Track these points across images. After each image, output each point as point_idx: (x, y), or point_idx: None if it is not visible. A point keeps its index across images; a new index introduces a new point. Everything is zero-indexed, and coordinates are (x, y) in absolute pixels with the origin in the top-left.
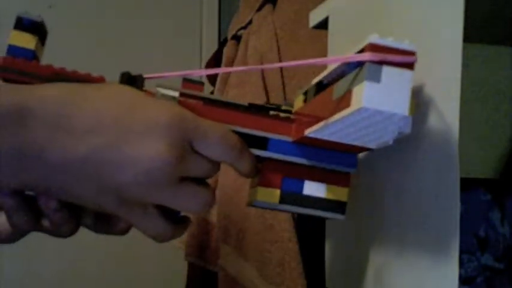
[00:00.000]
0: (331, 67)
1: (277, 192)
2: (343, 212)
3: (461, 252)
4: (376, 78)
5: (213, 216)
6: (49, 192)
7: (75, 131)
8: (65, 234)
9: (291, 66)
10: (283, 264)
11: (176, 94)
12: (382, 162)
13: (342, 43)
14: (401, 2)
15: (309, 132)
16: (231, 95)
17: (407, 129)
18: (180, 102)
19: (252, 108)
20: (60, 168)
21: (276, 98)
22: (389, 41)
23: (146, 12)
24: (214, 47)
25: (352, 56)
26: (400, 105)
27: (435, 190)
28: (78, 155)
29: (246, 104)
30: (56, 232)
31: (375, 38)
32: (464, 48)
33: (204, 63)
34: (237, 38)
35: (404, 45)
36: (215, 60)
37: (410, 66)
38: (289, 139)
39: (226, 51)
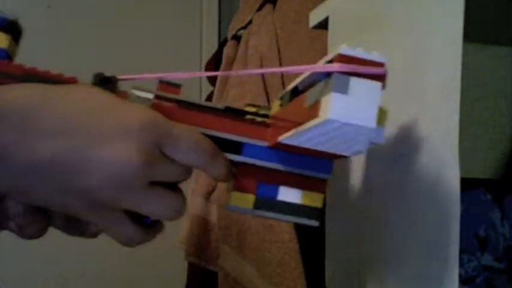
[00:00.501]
0: (305, 74)
1: (252, 197)
2: (317, 219)
3: (462, 252)
4: (343, 89)
5: (213, 216)
6: (14, 195)
7: (42, 133)
8: (32, 236)
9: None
10: (283, 264)
11: (150, 96)
12: (382, 161)
13: (341, 43)
14: (401, 2)
15: (282, 138)
16: (231, 95)
17: (380, 140)
18: (154, 105)
19: (228, 112)
20: (24, 170)
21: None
22: (358, 52)
23: (146, 13)
24: (214, 47)
25: (321, 66)
26: (367, 117)
27: (435, 190)
28: (43, 158)
29: (222, 107)
30: (22, 234)
31: (344, 49)
32: (464, 48)
33: (204, 63)
34: (237, 38)
35: (374, 56)
36: (215, 60)
37: (379, 77)
38: (265, 144)
39: (226, 51)
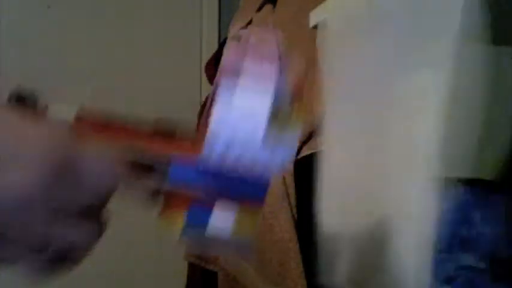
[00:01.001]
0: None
1: (181, 221)
2: (248, 249)
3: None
4: (228, 98)
5: None
6: None
7: None
8: None
9: None
10: (283, 264)
11: (71, 113)
12: (360, 160)
13: (340, 43)
14: (400, 3)
15: (198, 158)
16: None
17: (291, 155)
18: (73, 122)
19: (155, 130)
20: None
21: None
22: (245, 63)
23: (146, 12)
24: (214, 47)
25: (218, 78)
26: (254, 130)
27: (416, 187)
28: None
29: (149, 123)
30: None
31: (226, 60)
32: (464, 48)
33: (204, 63)
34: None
35: (259, 67)
36: (215, 60)
37: (261, 89)
38: (193, 164)
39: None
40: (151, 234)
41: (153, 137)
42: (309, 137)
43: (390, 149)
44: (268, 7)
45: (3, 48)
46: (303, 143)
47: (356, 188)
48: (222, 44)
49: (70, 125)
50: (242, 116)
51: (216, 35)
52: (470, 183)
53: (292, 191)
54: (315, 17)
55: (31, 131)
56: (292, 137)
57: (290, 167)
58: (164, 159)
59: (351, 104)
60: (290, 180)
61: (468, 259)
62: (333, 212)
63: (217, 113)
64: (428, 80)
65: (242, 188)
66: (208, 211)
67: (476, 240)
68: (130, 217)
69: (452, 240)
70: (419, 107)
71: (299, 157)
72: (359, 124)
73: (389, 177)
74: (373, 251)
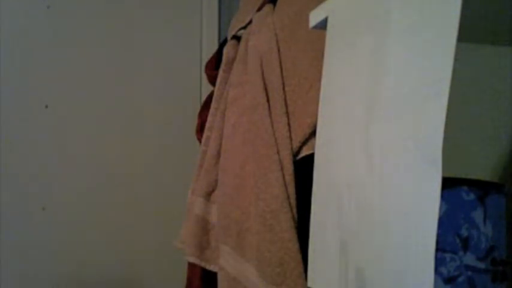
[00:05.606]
0: None
1: None
2: None
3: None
4: None
5: (213, 216)
6: None
7: None
8: None
9: None
10: (283, 264)
11: None
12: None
13: (340, 43)
14: (399, 3)
15: None
16: (231, 95)
17: None
18: None
19: None
20: None
21: (276, 98)
22: None
23: (146, 13)
24: (214, 47)
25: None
26: None
27: (416, 188)
28: None
29: None
30: None
31: None
32: (464, 48)
33: (204, 63)
34: (237, 38)
35: None
36: (215, 60)
37: None
38: None
39: (226, 51)
40: (151, 235)
41: None
42: (309, 137)
43: (389, 149)
44: (268, 7)
45: (3, 48)
46: (303, 143)
47: (353, 187)
48: (222, 44)
49: None
50: None
51: (216, 35)
52: (470, 183)
53: (292, 191)
54: (315, 17)
55: None
56: None
57: (290, 167)
58: None
59: (348, 103)
60: (290, 180)
61: (468, 259)
62: (329, 211)
63: None
64: (428, 80)
65: None
66: None
67: (476, 240)
68: (131, 218)
69: (453, 240)
70: (419, 106)
71: (299, 157)
72: (356, 123)
73: (387, 176)
74: (373, 250)
